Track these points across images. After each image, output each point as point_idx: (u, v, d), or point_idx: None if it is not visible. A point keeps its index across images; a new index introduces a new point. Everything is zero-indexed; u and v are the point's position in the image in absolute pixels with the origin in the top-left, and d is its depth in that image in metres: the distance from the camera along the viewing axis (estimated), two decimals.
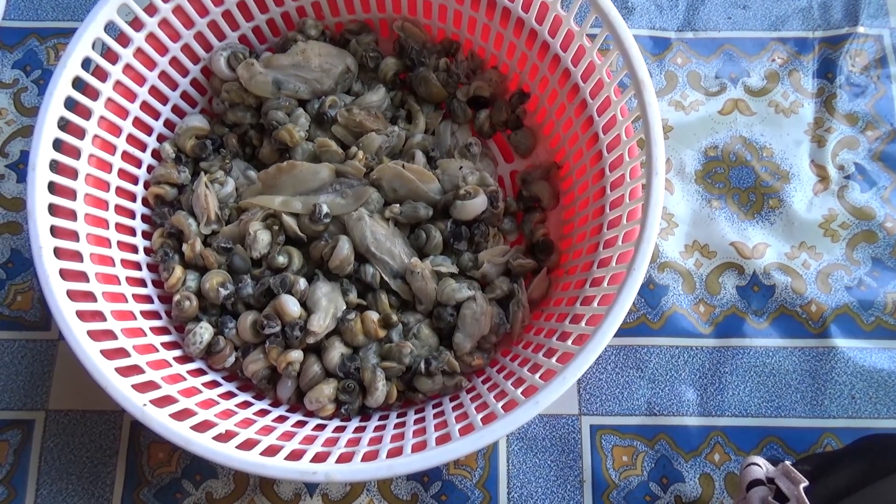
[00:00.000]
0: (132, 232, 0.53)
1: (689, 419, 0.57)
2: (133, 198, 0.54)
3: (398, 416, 0.49)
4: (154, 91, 0.54)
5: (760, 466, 0.45)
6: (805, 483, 0.40)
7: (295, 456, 0.41)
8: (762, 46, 0.67)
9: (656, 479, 0.56)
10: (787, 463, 0.43)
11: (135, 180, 0.54)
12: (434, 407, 0.49)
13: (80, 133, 0.49)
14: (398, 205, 0.52)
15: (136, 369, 0.44)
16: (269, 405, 0.51)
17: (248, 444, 0.42)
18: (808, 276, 0.60)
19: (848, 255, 0.61)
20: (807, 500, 0.39)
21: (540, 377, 0.43)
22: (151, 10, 0.51)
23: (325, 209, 0.51)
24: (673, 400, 0.58)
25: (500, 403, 0.43)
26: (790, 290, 0.60)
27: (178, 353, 0.50)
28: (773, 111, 0.65)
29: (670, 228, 0.62)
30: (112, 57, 0.51)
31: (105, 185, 0.51)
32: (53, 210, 0.46)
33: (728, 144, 0.64)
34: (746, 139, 0.64)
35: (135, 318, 0.48)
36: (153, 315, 0.51)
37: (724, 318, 0.60)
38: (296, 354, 0.49)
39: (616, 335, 0.58)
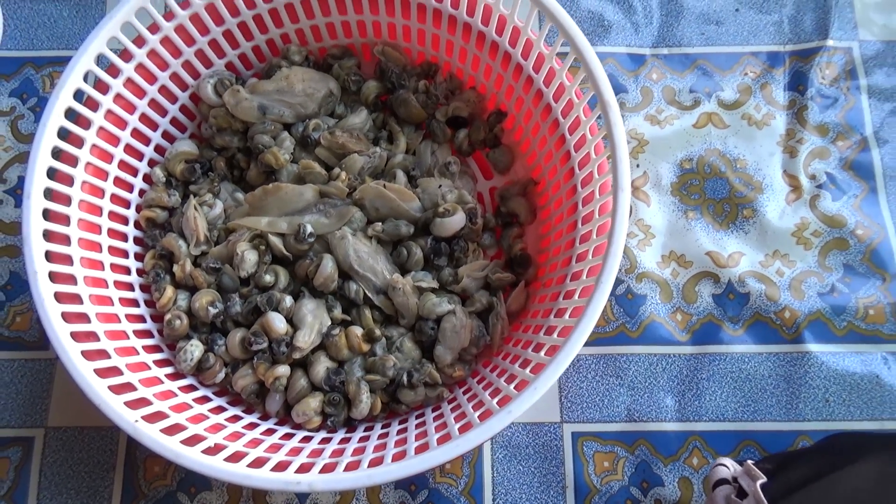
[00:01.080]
0: (125, 254, 0.55)
1: (667, 425, 0.59)
2: (125, 221, 0.56)
3: (382, 427, 0.51)
4: (144, 118, 0.56)
5: (727, 467, 0.47)
6: (763, 479, 0.42)
7: (281, 467, 0.43)
8: (735, 61, 0.69)
9: (637, 484, 0.57)
10: (750, 462, 0.45)
11: (127, 204, 0.56)
12: (417, 417, 0.51)
13: (73, 161, 0.51)
14: (380, 223, 0.54)
15: (128, 387, 0.46)
16: (258, 419, 0.53)
17: (236, 457, 0.43)
18: (782, 284, 0.62)
19: (820, 263, 0.63)
20: (762, 495, 0.41)
21: (514, 387, 0.44)
22: (140, 41, 0.54)
23: (309, 229, 0.53)
24: (652, 406, 0.59)
25: (477, 413, 0.45)
26: (764, 297, 0.62)
27: (169, 370, 0.52)
28: (745, 124, 0.67)
29: (647, 239, 0.64)
30: (103, 87, 0.53)
31: (98, 210, 0.53)
32: (48, 236, 0.48)
33: (703, 157, 0.66)
34: (720, 151, 0.66)
35: (128, 338, 0.50)
36: (145, 334, 0.53)
37: (700, 325, 0.61)
38: (283, 369, 0.51)
39: (596, 344, 0.61)
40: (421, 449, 0.43)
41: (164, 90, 0.57)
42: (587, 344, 0.60)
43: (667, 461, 0.58)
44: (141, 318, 0.54)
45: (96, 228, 0.52)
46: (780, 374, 0.60)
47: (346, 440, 0.49)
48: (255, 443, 0.47)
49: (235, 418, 0.51)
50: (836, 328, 0.61)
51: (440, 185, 0.55)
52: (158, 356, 0.52)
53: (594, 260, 0.46)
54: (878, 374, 0.60)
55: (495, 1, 0.52)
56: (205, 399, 0.52)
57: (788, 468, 0.43)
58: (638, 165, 0.66)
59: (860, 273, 0.63)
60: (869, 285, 0.62)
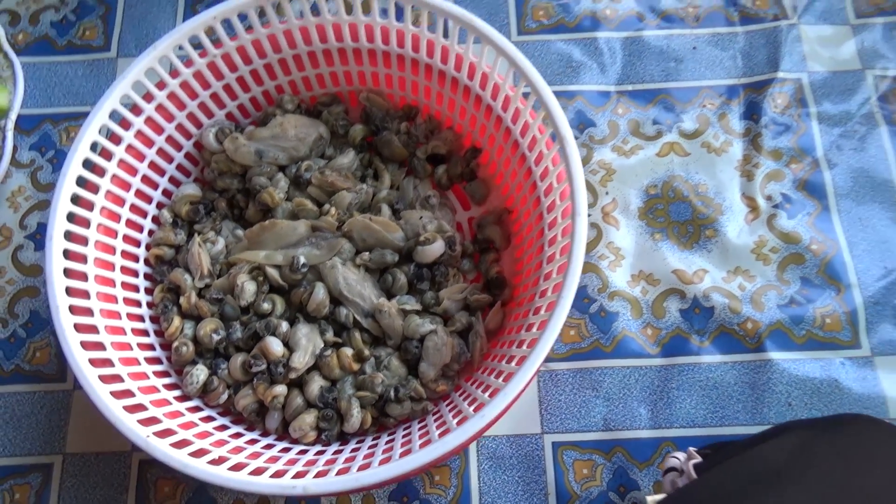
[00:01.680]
0: (136, 289, 0.60)
1: (641, 432, 0.63)
2: (136, 259, 0.61)
3: (373, 440, 0.56)
4: (153, 165, 0.62)
5: (678, 458, 0.51)
6: (697, 460, 0.46)
7: (279, 475, 0.48)
8: (694, 94, 0.75)
9: (614, 489, 0.61)
10: (692, 448, 0.49)
11: (137, 243, 0.62)
12: (404, 429, 0.55)
13: (89, 206, 0.57)
14: (367, 252, 0.60)
15: (140, 407, 0.51)
16: (259, 435, 0.57)
17: (238, 467, 0.48)
18: (744, 297, 0.67)
19: (779, 276, 0.68)
20: (693, 471, 0.45)
21: (489, 395, 0.49)
22: (149, 97, 0.60)
23: (302, 260, 0.58)
24: (627, 415, 0.64)
25: (456, 420, 0.49)
26: (728, 310, 0.66)
27: (177, 392, 0.57)
28: (705, 151, 0.73)
29: (618, 260, 0.69)
30: (116, 139, 0.59)
31: (112, 250, 0.58)
32: (67, 273, 0.53)
33: (667, 183, 0.72)
34: (683, 177, 0.72)
35: (139, 364, 0.55)
36: (155, 360, 0.58)
37: (669, 339, 0.66)
38: (280, 389, 0.56)
39: (573, 360, 0.66)
40: (405, 454, 0.47)
41: (170, 140, 0.63)
42: (565, 360, 0.65)
43: (641, 466, 0.62)
44: (151, 347, 0.59)
45: (110, 266, 0.58)
46: (744, 381, 0.64)
47: (338, 451, 0.54)
48: (255, 455, 0.52)
49: (238, 435, 0.56)
50: (795, 337, 0.65)
51: (421, 217, 0.61)
52: (167, 380, 0.57)
53: (557, 278, 0.51)
54: (837, 378, 0.64)
55: (465, 50, 0.59)
56: (209, 418, 0.56)
57: (720, 450, 0.47)
58: (607, 193, 0.72)
59: (816, 285, 0.67)
60: (825, 296, 0.67)
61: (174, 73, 0.60)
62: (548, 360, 0.65)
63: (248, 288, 0.58)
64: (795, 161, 0.72)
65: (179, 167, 0.65)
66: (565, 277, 0.49)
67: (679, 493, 0.42)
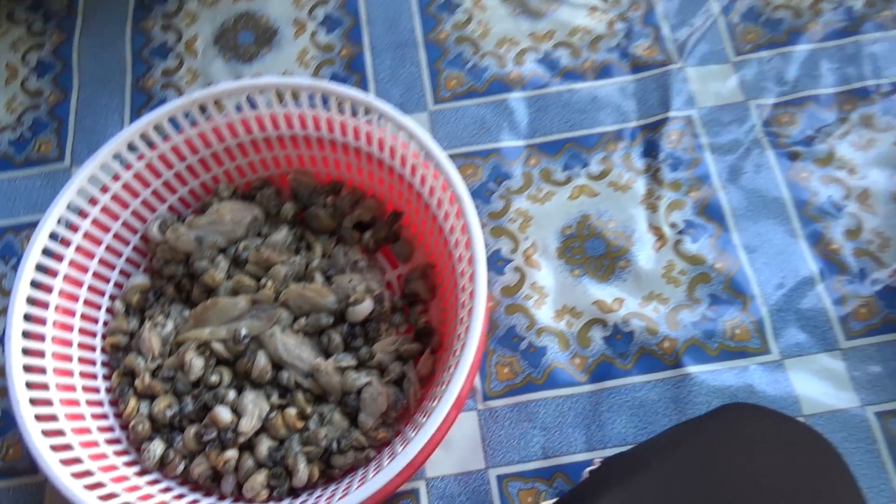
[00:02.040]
0: (94, 376, 0.65)
1: (578, 456, 0.67)
2: (93, 348, 0.66)
3: (321, 490, 0.60)
4: (103, 262, 0.68)
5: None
6: (594, 466, 0.51)
7: None
8: (597, 139, 0.83)
9: None
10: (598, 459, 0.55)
11: (93, 334, 0.67)
12: (349, 477, 0.60)
13: (44, 305, 0.62)
14: (304, 318, 0.65)
15: (100, 485, 0.55)
16: (217, 500, 0.61)
17: None
18: (659, 319, 0.73)
19: (689, 296, 0.74)
20: (586, 474, 0.50)
21: (416, 435, 0.54)
22: (93, 201, 0.66)
23: (244, 332, 0.63)
24: (563, 442, 0.68)
25: (389, 461, 0.54)
26: (646, 332, 0.72)
27: (136, 468, 0.61)
28: (612, 190, 0.80)
29: (542, 299, 0.75)
30: (66, 242, 0.65)
31: (69, 343, 0.64)
32: (27, 368, 0.58)
33: (580, 222, 0.78)
34: (594, 216, 0.78)
35: (98, 445, 0.60)
36: (114, 440, 0.62)
37: (596, 365, 0.71)
38: (231, 453, 0.60)
39: (508, 396, 0.70)
40: (343, 496, 0.52)
41: (117, 236, 0.69)
42: (502, 396, 0.70)
43: None
44: (110, 428, 0.63)
45: (68, 358, 0.63)
46: (667, 396, 0.69)
47: None
48: None
49: (195, 502, 0.60)
50: (709, 350, 0.71)
51: (351, 280, 0.66)
52: (126, 458, 0.61)
53: (467, 321, 0.57)
54: (751, 383, 0.69)
55: (372, 128, 0.66)
56: (168, 489, 0.61)
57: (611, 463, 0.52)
58: (527, 238, 0.78)
59: (723, 300, 0.73)
60: (732, 309, 0.73)
61: (115, 177, 0.67)
62: (486, 398, 0.70)
63: (196, 363, 0.63)
64: (694, 189, 0.79)
65: (128, 260, 0.71)
66: (471, 319, 0.54)
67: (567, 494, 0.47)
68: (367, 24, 0.92)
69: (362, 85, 0.88)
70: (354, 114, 0.66)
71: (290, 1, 0.95)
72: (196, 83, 0.90)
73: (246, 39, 0.92)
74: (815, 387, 0.69)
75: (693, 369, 0.70)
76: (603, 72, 0.87)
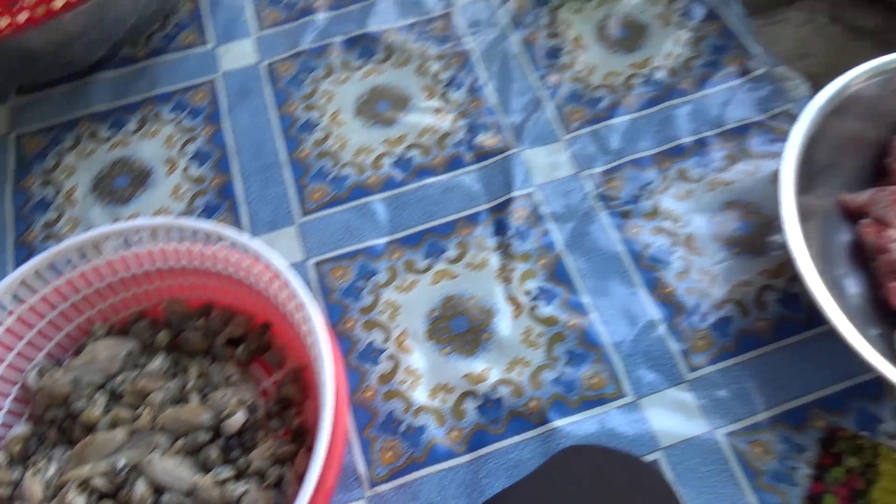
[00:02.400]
0: None
1: None
2: None
3: None
4: None
5: None
6: None
7: None
8: (452, 227, 0.90)
9: None
10: None
11: None
12: None
13: None
14: (182, 438, 0.69)
15: None
16: None
17: None
18: (524, 381, 0.78)
19: (548, 356, 0.80)
20: None
21: None
22: None
23: (122, 463, 0.66)
24: None
25: None
26: (513, 396, 0.77)
27: None
28: (469, 270, 0.87)
29: (416, 381, 0.80)
30: None
31: None
32: None
33: (444, 304, 0.85)
34: (456, 296, 0.85)
35: None
36: None
37: (471, 435, 0.76)
38: None
39: (393, 479, 0.74)
40: None
41: None
42: (387, 480, 0.74)
43: None
44: None
45: None
46: (539, 452, 0.74)
47: None
48: None
49: None
50: (571, 402, 0.77)
51: (224, 395, 0.70)
52: None
53: (321, 418, 0.61)
54: (613, 427, 0.75)
55: (229, 253, 0.72)
56: None
57: None
58: (397, 326, 0.84)
59: (578, 354, 0.80)
60: (587, 362, 0.79)
61: None
62: (373, 485, 0.74)
63: (78, 502, 0.65)
64: (542, 258, 0.87)
65: (10, 412, 0.73)
66: (323, 413, 0.59)
67: None
68: (235, 153, 1.00)
69: (233, 209, 0.95)
70: (213, 242, 0.72)
71: (161, 142, 1.02)
72: (77, 230, 0.95)
73: (122, 184, 0.99)
74: (669, 420, 0.75)
75: (558, 423, 0.75)
76: (452, 164, 0.96)
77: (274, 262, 0.67)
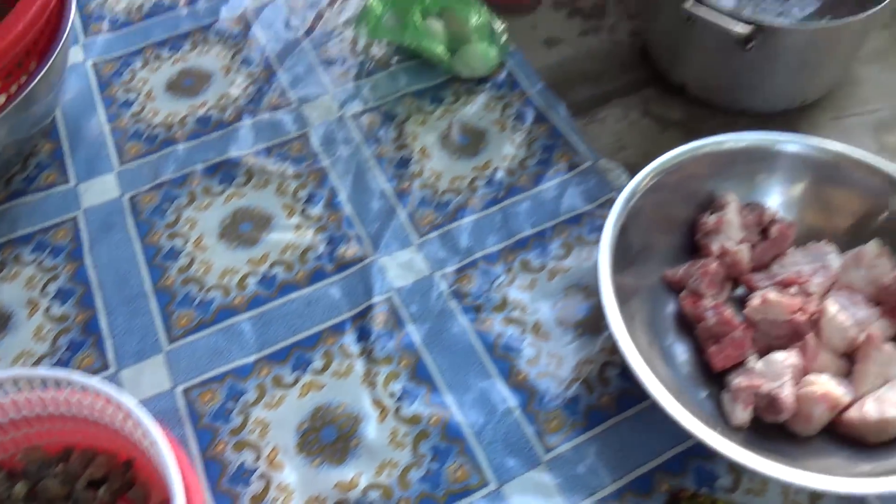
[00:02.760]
0: None
1: None
2: None
3: None
4: None
5: None
6: None
7: None
8: (318, 338, 0.94)
9: None
10: None
11: None
12: None
13: None
14: None
15: None
16: None
17: None
18: (392, 482, 0.81)
19: (415, 454, 0.84)
20: None
21: None
22: None
23: None
24: None
25: None
26: (381, 498, 0.80)
27: None
28: (335, 379, 0.91)
29: (289, 497, 0.81)
30: None
31: None
32: None
33: (313, 416, 0.87)
34: (324, 406, 0.88)
35: None
36: None
37: None
38: None
39: None
40: None
41: None
42: None
43: None
44: None
45: None
46: None
47: None
48: None
49: None
50: (438, 498, 0.80)
51: None
52: None
53: None
54: None
55: (81, 395, 0.73)
56: None
57: None
58: (268, 443, 0.86)
59: (442, 449, 0.84)
60: (451, 455, 0.83)
61: None
62: None
63: None
64: (403, 359, 0.92)
65: None
66: None
67: None
68: (98, 287, 1.01)
69: (98, 344, 0.95)
70: (64, 387, 0.73)
71: (21, 285, 1.02)
72: None
73: None
74: (531, 503, 0.80)
75: None
76: (314, 277, 1.01)
77: (124, 402, 0.68)
